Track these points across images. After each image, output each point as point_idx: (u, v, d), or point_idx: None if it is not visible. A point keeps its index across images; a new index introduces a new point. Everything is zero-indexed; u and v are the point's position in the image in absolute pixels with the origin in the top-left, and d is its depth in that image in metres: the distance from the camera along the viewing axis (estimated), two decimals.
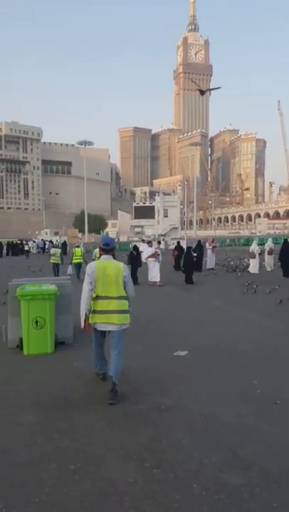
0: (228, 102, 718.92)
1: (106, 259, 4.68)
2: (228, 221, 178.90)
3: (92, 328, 4.61)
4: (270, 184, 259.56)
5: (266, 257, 20.07)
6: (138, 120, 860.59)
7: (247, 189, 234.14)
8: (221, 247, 41.25)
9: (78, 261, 18.01)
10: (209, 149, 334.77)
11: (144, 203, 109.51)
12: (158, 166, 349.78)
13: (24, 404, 4.36)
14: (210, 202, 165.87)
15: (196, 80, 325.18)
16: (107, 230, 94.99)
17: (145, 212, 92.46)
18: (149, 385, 4.89)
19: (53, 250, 19.81)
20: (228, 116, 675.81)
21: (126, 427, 3.77)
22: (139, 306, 8.75)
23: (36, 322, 6.16)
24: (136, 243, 21.79)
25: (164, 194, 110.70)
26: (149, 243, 17.78)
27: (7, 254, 41.78)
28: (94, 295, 4.49)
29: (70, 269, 18.61)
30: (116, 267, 4.58)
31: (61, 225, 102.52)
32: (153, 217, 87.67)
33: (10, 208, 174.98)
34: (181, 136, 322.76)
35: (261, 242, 23.71)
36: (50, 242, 45.95)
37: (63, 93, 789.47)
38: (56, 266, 18.60)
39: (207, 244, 21.69)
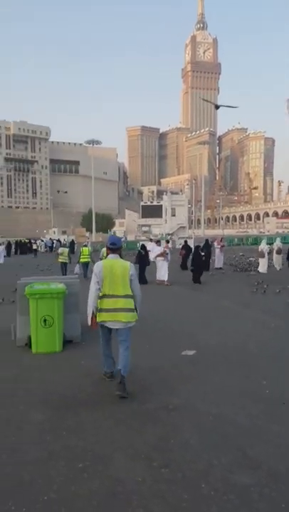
0: (237, 101, 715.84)
1: (113, 258, 4.74)
2: (236, 220, 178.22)
3: (99, 325, 4.67)
4: (279, 183, 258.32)
5: (274, 256, 19.97)
6: (146, 119, 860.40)
7: (255, 188, 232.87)
8: (229, 247, 41.04)
9: (86, 260, 18.08)
10: (217, 148, 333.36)
11: (151, 202, 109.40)
12: (166, 165, 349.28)
13: (33, 402, 4.39)
14: (218, 201, 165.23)
15: (204, 78, 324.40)
16: (114, 229, 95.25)
17: (152, 212, 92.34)
18: (157, 384, 4.89)
19: (60, 249, 19.89)
20: (236, 115, 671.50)
21: (134, 426, 3.77)
22: (147, 306, 8.73)
23: (45, 321, 6.19)
24: (144, 242, 21.79)
25: (172, 193, 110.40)
26: (158, 242, 17.75)
27: (15, 253, 42.12)
28: (101, 294, 4.55)
29: (77, 268, 18.69)
30: (123, 266, 4.64)
31: (69, 224, 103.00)
32: (160, 216, 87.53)
33: (18, 207, 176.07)
34: (189, 135, 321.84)
35: (270, 242, 23.53)
36: (58, 241, 46.23)
37: (71, 93, 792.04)
38: (64, 265, 18.67)
39: (215, 244, 21.60)
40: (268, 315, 9.15)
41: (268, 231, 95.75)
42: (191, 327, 8.07)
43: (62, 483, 2.87)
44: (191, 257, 16.75)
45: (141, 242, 22.51)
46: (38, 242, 46.61)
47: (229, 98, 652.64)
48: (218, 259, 21.15)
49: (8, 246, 40.18)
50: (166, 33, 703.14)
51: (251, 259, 24.70)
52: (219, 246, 21.31)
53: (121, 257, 4.87)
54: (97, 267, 4.69)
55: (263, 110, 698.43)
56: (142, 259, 15.60)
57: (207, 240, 22.08)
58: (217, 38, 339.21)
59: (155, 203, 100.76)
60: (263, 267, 18.85)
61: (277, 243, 20.30)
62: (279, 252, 19.90)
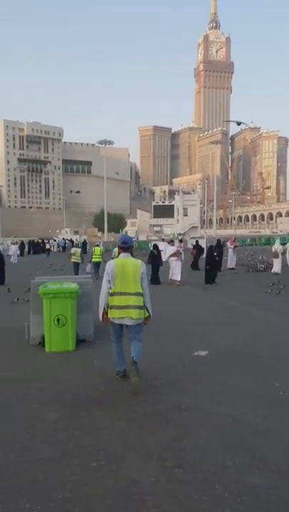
0: (250, 100, 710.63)
1: (124, 257, 4.89)
2: (248, 220, 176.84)
3: (110, 323, 4.80)
4: None
5: (288, 256, 19.76)
6: (158, 119, 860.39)
7: (268, 188, 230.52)
8: (242, 247, 40.77)
9: (97, 260, 18.16)
10: (230, 147, 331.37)
11: (163, 202, 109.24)
12: (178, 164, 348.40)
13: (46, 401, 4.42)
14: (230, 201, 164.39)
15: (216, 77, 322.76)
16: (126, 229, 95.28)
17: (164, 211, 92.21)
18: (169, 384, 4.88)
19: (73, 250, 20.01)
20: (249, 114, 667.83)
21: (146, 426, 3.77)
22: (159, 306, 8.73)
23: (58, 320, 6.23)
24: (156, 242, 21.78)
25: (184, 193, 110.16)
26: (171, 242, 17.71)
27: (28, 252, 42.53)
28: (112, 291, 4.70)
29: (89, 267, 18.78)
30: (134, 265, 4.80)
31: (81, 224, 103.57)
32: (172, 216, 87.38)
33: (31, 208, 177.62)
34: (201, 135, 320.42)
35: (283, 242, 23.30)
36: (71, 241, 46.50)
37: (82, 93, 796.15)
38: (76, 265, 18.79)
39: (228, 244, 21.48)
40: (282, 316, 9.06)
41: (281, 231, 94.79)
42: (203, 327, 8.04)
43: (76, 482, 2.88)
44: (203, 256, 16.68)
45: (153, 242, 22.51)
46: (50, 241, 47.04)
47: (242, 97, 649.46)
48: (230, 260, 21.03)
49: (22, 246, 40.58)
50: (179, 32, 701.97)
51: (264, 257, 24.48)
52: (232, 246, 21.18)
53: (132, 255, 5.00)
54: (109, 265, 4.84)
55: (276, 109, 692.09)
56: (155, 259, 15.56)
57: (219, 240, 21.96)
58: (230, 37, 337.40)
59: (167, 203, 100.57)
60: (277, 267, 18.68)
61: None
62: None
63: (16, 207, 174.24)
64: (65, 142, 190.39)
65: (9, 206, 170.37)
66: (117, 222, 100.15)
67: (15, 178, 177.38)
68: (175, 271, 14.97)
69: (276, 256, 18.81)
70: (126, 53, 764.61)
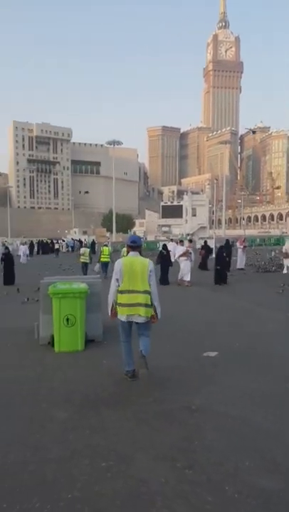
0: (259, 99, 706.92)
1: (133, 256, 4.98)
2: (257, 220, 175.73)
3: (120, 321, 4.89)
4: None
5: None
6: (167, 119, 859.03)
7: (278, 187, 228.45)
8: (251, 247, 40.56)
9: (106, 260, 18.20)
10: (239, 147, 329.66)
11: (171, 202, 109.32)
12: (186, 164, 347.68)
13: (55, 401, 4.43)
14: (239, 201, 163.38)
15: (226, 77, 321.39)
16: (134, 229, 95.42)
17: (173, 212, 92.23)
18: (178, 384, 4.86)
19: (82, 250, 20.10)
20: (258, 114, 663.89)
21: (156, 426, 3.76)
22: (168, 306, 8.72)
23: (67, 320, 6.25)
24: (165, 242, 21.77)
25: (193, 193, 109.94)
26: (181, 242, 17.68)
27: (37, 252, 42.82)
28: (121, 289, 4.82)
29: (97, 267, 18.82)
30: (142, 263, 4.89)
31: (90, 225, 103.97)
32: (180, 216, 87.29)
33: (40, 208, 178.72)
34: (210, 135, 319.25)
35: None
36: (79, 241, 46.72)
37: (93, 93, 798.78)
38: (85, 265, 18.88)
39: (238, 244, 21.37)
40: None
41: None
42: (213, 328, 8.00)
43: (86, 482, 2.89)
44: (212, 257, 16.57)
45: (162, 242, 22.51)
46: (59, 241, 47.34)
47: (251, 97, 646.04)
48: (240, 260, 20.91)
49: (31, 246, 40.87)
50: (188, 32, 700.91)
51: (274, 256, 24.25)
52: (242, 246, 21.06)
53: (141, 254, 5.09)
54: (118, 264, 4.95)
55: (286, 109, 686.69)
56: (164, 260, 15.51)
57: (228, 240, 21.88)
58: (239, 36, 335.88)
59: (175, 203, 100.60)
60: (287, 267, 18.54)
61: None
62: None
63: (25, 207, 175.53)
64: (73, 143, 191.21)
65: (18, 207, 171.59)
66: (125, 223, 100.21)
67: (24, 179, 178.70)
68: (185, 271, 14.91)
69: (287, 256, 18.67)
70: (137, 53, 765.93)
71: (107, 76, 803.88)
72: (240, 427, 3.73)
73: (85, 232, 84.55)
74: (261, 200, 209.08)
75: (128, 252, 5.13)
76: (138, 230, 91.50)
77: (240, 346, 6.56)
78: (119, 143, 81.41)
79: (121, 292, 4.81)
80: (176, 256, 15.62)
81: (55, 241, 45.47)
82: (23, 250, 30.57)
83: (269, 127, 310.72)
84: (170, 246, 18.50)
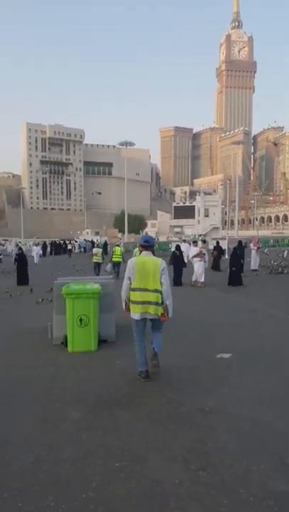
0: (273, 99, 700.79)
1: (145, 255, 5.08)
2: (271, 221, 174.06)
3: (133, 320, 4.99)
4: None
5: None
6: (179, 120, 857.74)
7: None
8: (264, 248, 40.19)
9: (118, 260, 18.23)
10: (252, 147, 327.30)
11: (184, 203, 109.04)
12: (199, 165, 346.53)
13: (69, 401, 4.45)
14: (252, 201, 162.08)
15: (239, 76, 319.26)
16: (146, 230, 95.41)
17: (185, 212, 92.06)
18: (191, 385, 4.85)
19: (95, 250, 20.21)
20: (272, 114, 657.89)
21: (169, 427, 3.75)
22: (181, 307, 8.69)
23: (80, 320, 6.28)
24: (178, 243, 21.72)
25: (205, 193, 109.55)
26: (195, 243, 17.61)
27: (50, 253, 43.18)
28: (133, 286, 4.94)
29: (109, 267, 18.87)
30: (154, 263, 4.99)
31: (102, 225, 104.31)
32: (193, 217, 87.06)
33: (53, 209, 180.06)
34: (223, 135, 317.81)
35: None
36: (91, 242, 46.97)
37: (104, 94, 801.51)
38: (98, 265, 18.95)
39: (252, 245, 21.18)
40: None
41: None
42: (226, 329, 7.95)
43: (100, 482, 2.89)
44: (225, 258, 16.45)
45: (174, 243, 22.47)
46: (72, 242, 47.67)
47: (265, 97, 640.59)
48: (253, 261, 20.72)
49: (44, 247, 41.22)
50: (201, 32, 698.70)
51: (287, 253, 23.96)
52: (255, 247, 20.86)
53: (154, 254, 5.20)
54: (130, 262, 5.08)
55: None
56: (177, 261, 15.45)
57: (240, 241, 21.70)
58: (252, 36, 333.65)
59: (188, 204, 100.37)
60: None
61: None
62: None
63: (38, 208, 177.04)
64: (86, 144, 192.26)
65: (31, 208, 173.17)
66: (137, 224, 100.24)
67: (37, 180, 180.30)
68: (199, 272, 14.81)
69: None
70: (149, 54, 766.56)
71: (122, 77, 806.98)
72: (253, 429, 3.70)
73: (97, 233, 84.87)
74: (275, 201, 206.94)
75: (141, 252, 5.23)
76: (150, 230, 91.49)
77: (254, 348, 6.51)
78: (131, 144, 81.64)
79: (133, 290, 4.93)
80: (190, 257, 15.55)
81: (67, 241, 45.80)
82: (36, 251, 30.84)
83: (283, 127, 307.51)
84: (183, 247, 18.43)
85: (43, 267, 24.66)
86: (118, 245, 20.43)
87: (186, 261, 16.39)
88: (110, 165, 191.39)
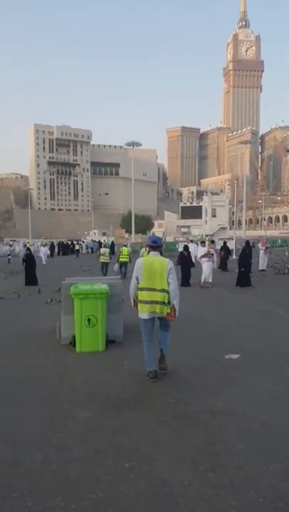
0: (281, 98, 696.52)
1: (153, 256, 5.14)
2: (279, 221, 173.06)
3: (142, 320, 5.05)
4: None
5: None
6: (186, 120, 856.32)
7: None
8: (272, 248, 39.99)
9: (125, 260, 18.22)
10: (260, 147, 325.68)
11: (191, 203, 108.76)
12: (206, 165, 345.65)
13: (77, 401, 4.46)
14: (260, 201, 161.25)
15: (246, 76, 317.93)
16: (153, 230, 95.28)
17: (192, 212, 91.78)
18: (200, 386, 4.83)
19: (102, 250, 20.25)
20: (280, 113, 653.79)
21: (177, 428, 3.74)
22: (189, 307, 8.67)
23: (88, 320, 6.29)
24: (185, 243, 21.67)
25: (212, 193, 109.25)
26: (203, 243, 17.55)
27: (58, 254, 43.35)
28: (140, 286, 5.01)
29: (116, 267, 18.88)
30: (161, 263, 5.04)
31: (109, 226, 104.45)
32: (200, 217, 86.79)
33: (61, 210, 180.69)
34: (230, 135, 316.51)
35: None
36: (98, 242, 47.06)
37: (111, 94, 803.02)
38: (105, 265, 18.98)
39: (260, 245, 21.06)
40: None
41: None
42: (234, 330, 7.92)
43: (109, 482, 2.89)
44: (233, 258, 16.35)
45: (182, 244, 22.42)
46: (79, 242, 47.84)
47: (273, 96, 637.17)
48: (261, 261, 20.61)
49: (51, 247, 41.40)
50: (209, 32, 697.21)
51: None
52: (264, 247, 20.73)
53: (161, 254, 5.25)
54: (138, 262, 5.14)
55: None
56: (185, 261, 15.38)
57: (248, 241, 21.59)
58: (260, 35, 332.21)
59: (195, 204, 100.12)
60: None
61: None
62: None
63: (45, 209, 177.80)
64: (93, 145, 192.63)
65: (39, 208, 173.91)
66: (144, 224, 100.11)
67: (44, 181, 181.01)
68: (207, 272, 14.72)
69: None
70: (157, 54, 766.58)
71: (127, 77, 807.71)
72: (262, 430, 3.68)
73: (104, 234, 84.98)
74: (282, 201, 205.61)
75: (148, 252, 5.28)
76: (157, 231, 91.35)
77: (263, 348, 6.47)
78: (138, 144, 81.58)
79: (141, 290, 5.00)
80: (198, 257, 15.48)
81: (75, 242, 45.94)
82: (43, 251, 30.96)
83: None
84: (191, 247, 18.37)
85: (50, 268, 24.76)
86: (125, 245, 20.43)
87: (194, 261, 16.33)
88: (117, 165, 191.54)
